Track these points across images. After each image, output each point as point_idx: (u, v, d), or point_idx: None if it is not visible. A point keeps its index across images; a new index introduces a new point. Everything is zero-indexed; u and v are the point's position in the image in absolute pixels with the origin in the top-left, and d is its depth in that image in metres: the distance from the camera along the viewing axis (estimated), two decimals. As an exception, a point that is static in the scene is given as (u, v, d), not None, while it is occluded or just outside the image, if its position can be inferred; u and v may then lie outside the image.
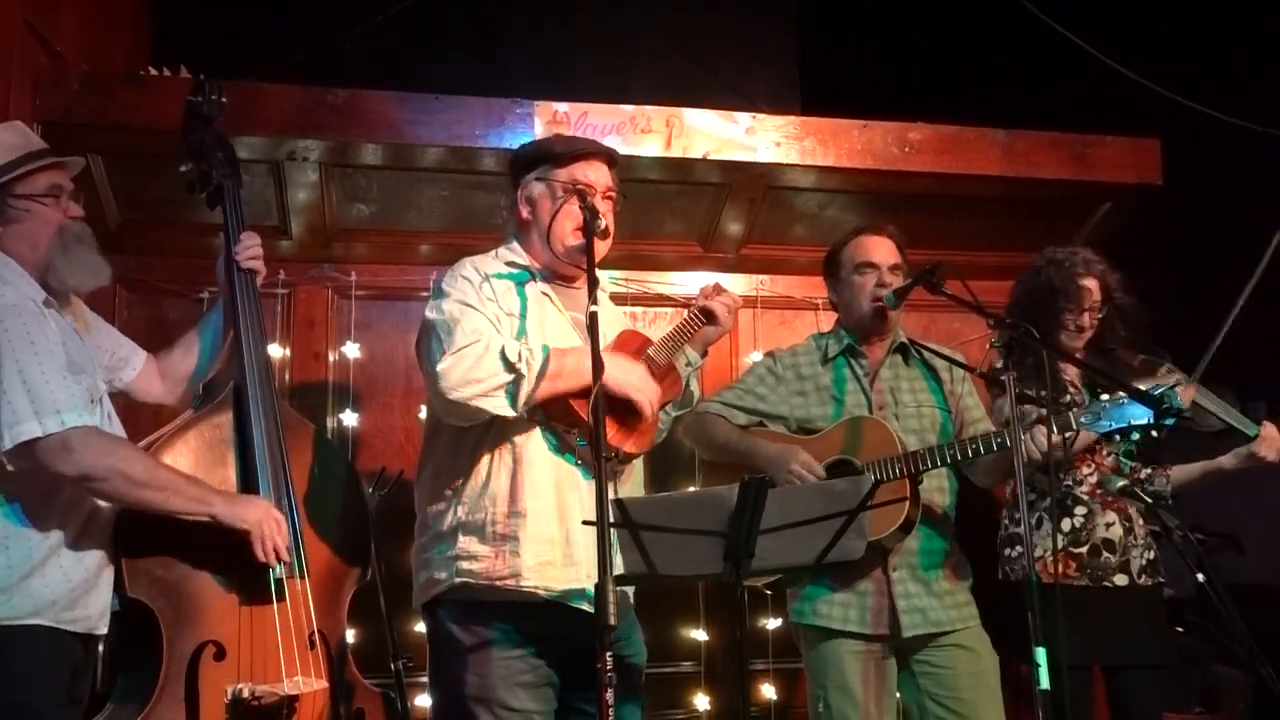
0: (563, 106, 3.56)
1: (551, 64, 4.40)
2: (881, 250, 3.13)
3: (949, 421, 3.13)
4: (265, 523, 2.51)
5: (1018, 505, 3.09)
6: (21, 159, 2.46)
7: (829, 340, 3.21)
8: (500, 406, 2.43)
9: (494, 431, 2.52)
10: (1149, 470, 3.23)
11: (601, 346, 2.27)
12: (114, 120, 3.29)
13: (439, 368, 2.42)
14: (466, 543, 2.51)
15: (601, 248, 2.57)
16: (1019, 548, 3.12)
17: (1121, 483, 3.00)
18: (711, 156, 3.63)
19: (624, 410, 2.53)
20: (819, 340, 3.24)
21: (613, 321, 2.79)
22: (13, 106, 3.08)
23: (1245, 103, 4.37)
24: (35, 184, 2.48)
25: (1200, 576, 3.09)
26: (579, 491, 2.52)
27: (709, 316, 2.68)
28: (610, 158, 2.72)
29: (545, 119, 3.53)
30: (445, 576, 2.53)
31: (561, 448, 2.54)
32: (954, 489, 3.12)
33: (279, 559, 2.53)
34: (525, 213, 2.66)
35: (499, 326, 2.52)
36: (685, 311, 2.72)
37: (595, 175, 2.65)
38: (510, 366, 2.40)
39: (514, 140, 3.46)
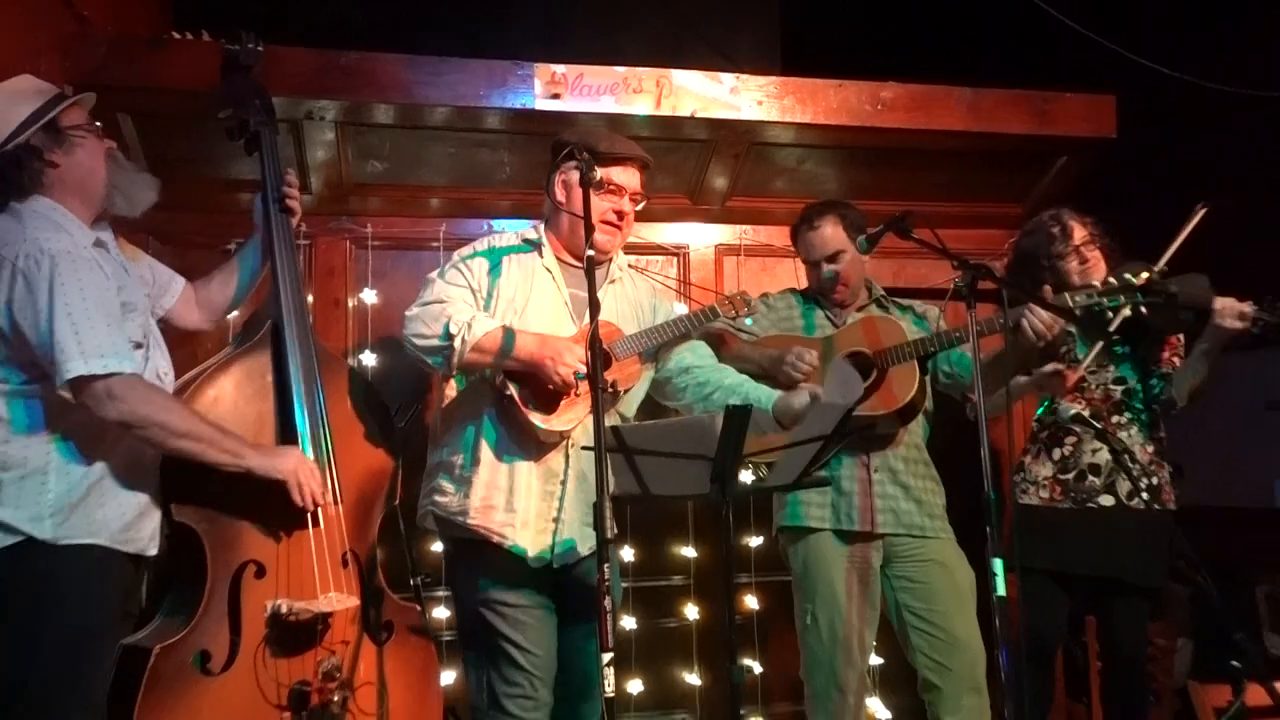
0: (560, 69, 3.62)
1: (550, 27, 4.47)
2: (817, 247, 3.33)
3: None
4: (299, 471, 2.61)
5: (1032, 440, 3.35)
6: (58, 97, 2.52)
7: (800, 297, 3.47)
8: (433, 365, 2.75)
9: (473, 393, 2.83)
10: (1153, 381, 3.28)
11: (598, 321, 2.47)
12: (141, 82, 3.35)
13: (406, 314, 2.77)
14: (440, 481, 2.83)
15: (619, 240, 2.90)
16: (1019, 475, 3.33)
17: (1073, 410, 3.27)
18: (698, 115, 3.72)
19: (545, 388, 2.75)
20: (794, 293, 3.49)
21: (630, 299, 3.00)
22: (43, 69, 3.18)
23: (1195, 59, 4.49)
24: (76, 116, 2.54)
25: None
26: (528, 451, 2.77)
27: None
28: (645, 164, 2.92)
29: (544, 80, 3.60)
30: (428, 506, 2.86)
31: (512, 418, 2.77)
32: (928, 415, 3.34)
33: (317, 504, 2.65)
34: (560, 196, 2.86)
35: (477, 299, 2.79)
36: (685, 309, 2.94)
37: (626, 179, 2.87)
38: (449, 335, 2.68)
39: (515, 100, 3.57)
